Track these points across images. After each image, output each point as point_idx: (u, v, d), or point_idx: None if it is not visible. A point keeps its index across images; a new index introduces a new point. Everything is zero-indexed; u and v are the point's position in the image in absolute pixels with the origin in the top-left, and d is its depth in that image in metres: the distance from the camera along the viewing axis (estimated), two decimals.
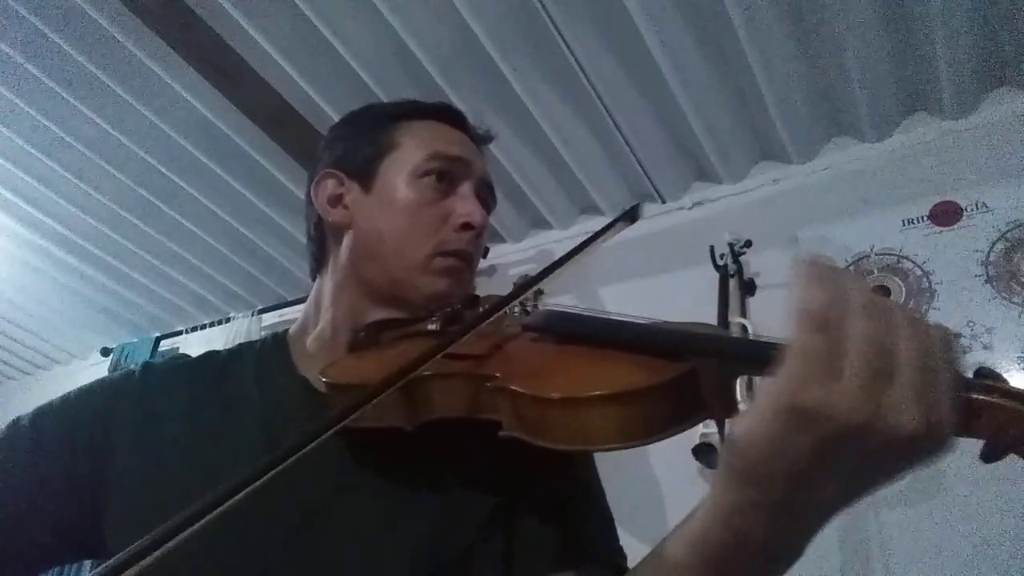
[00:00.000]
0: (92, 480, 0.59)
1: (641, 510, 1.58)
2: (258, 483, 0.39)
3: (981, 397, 0.36)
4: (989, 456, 0.37)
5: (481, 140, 0.81)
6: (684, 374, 0.43)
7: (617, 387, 0.43)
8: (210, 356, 0.73)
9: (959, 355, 0.36)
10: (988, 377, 0.37)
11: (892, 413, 0.34)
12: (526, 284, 0.56)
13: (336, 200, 0.74)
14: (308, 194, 0.77)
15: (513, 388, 0.47)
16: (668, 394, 0.43)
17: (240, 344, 0.76)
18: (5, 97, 2.11)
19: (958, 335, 0.38)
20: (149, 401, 0.65)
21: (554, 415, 0.45)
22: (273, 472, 0.40)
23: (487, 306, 0.55)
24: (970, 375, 0.38)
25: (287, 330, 0.77)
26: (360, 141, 0.75)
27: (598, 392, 0.43)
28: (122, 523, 0.57)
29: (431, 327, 0.64)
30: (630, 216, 0.63)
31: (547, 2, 1.63)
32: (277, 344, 0.74)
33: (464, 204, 0.71)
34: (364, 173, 0.73)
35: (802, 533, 0.40)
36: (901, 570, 1.48)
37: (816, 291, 0.36)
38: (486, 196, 0.77)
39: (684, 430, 0.44)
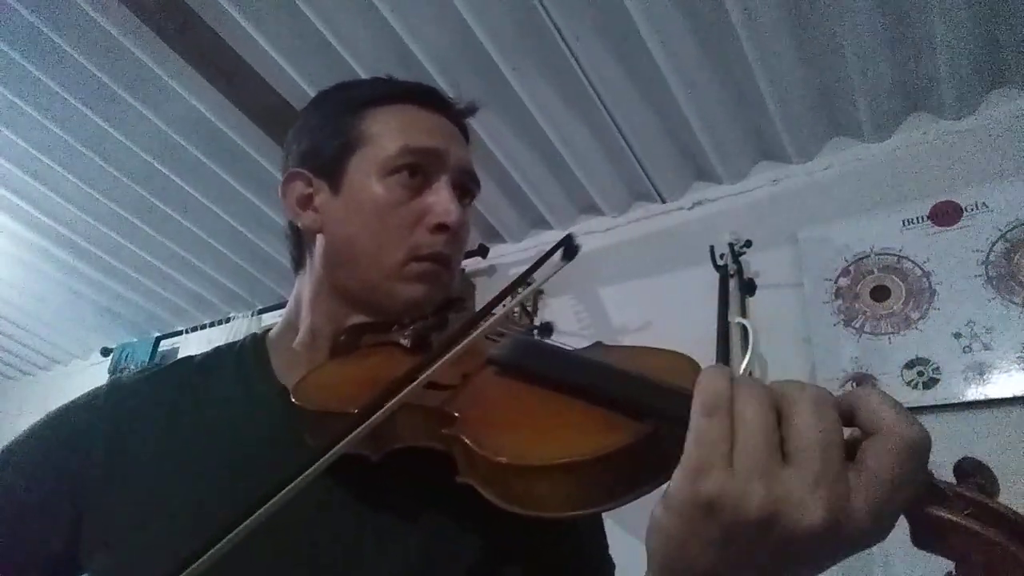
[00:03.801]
0: (71, 512, 0.57)
1: (641, 510, 1.58)
2: (252, 519, 0.38)
3: (947, 516, 0.31)
4: None
5: (463, 115, 0.75)
6: (642, 438, 0.40)
7: (565, 455, 0.39)
8: (183, 362, 0.71)
9: (921, 462, 0.32)
10: (971, 476, 0.33)
11: (786, 504, 0.31)
12: (480, 313, 0.53)
13: (306, 202, 0.70)
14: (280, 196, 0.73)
15: (464, 440, 0.45)
16: (625, 460, 0.39)
17: (217, 347, 0.74)
18: (5, 97, 2.11)
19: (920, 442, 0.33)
20: (120, 419, 0.62)
21: (502, 477, 0.42)
22: (267, 507, 0.38)
23: (458, 327, 0.53)
24: (950, 475, 0.34)
25: (267, 331, 0.74)
26: (327, 133, 0.71)
27: (543, 462, 0.40)
28: (108, 546, 0.55)
29: (403, 342, 0.62)
30: (568, 253, 0.59)
31: (547, 2, 1.63)
32: (256, 348, 0.71)
33: (439, 202, 0.66)
34: (332, 172, 0.69)
35: None
36: (901, 570, 1.48)
37: (711, 377, 0.35)
38: (467, 184, 0.72)
39: (647, 492, 0.40)
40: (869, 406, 0.34)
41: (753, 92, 1.80)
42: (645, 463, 0.40)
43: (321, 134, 0.71)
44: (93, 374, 3.44)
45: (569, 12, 1.66)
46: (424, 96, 0.72)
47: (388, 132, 0.68)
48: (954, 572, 0.32)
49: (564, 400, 0.46)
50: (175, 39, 1.83)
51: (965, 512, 0.31)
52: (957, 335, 1.59)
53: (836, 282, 1.79)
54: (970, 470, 0.33)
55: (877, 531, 0.32)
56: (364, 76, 1.85)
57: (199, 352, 0.74)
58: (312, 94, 1.97)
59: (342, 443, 0.42)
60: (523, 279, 0.57)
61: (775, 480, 0.32)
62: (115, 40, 1.88)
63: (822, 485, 0.31)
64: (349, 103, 0.72)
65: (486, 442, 0.44)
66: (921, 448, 0.32)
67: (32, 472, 0.60)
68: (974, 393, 1.52)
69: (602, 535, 0.69)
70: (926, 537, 0.33)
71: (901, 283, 1.71)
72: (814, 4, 1.59)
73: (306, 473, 0.40)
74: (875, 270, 1.76)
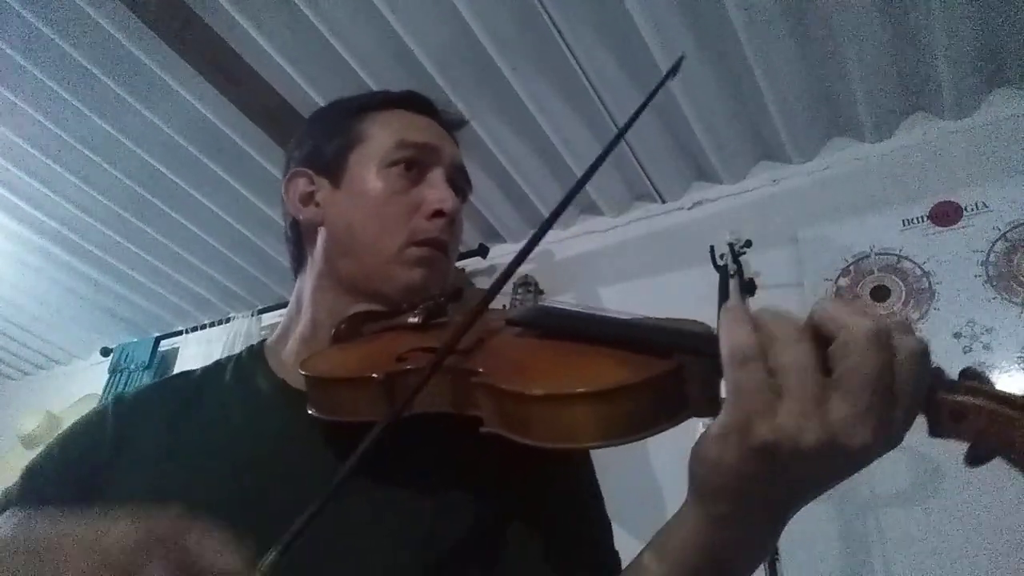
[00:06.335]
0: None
1: (641, 510, 1.58)
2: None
3: (962, 399, 0.36)
4: (974, 459, 0.37)
5: (452, 125, 0.79)
6: (668, 372, 0.43)
7: (599, 384, 0.42)
8: (183, 375, 0.74)
9: (924, 362, 0.36)
10: (974, 378, 0.37)
11: (840, 432, 0.35)
12: (522, 252, 0.54)
13: (307, 198, 0.74)
14: (282, 196, 0.77)
15: (495, 384, 0.46)
16: (651, 392, 0.42)
17: (217, 360, 0.76)
18: (5, 97, 2.11)
19: (924, 345, 0.37)
20: (124, 427, 0.64)
21: (535, 412, 0.44)
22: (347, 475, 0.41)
23: (485, 295, 0.54)
24: (956, 376, 0.38)
25: (264, 340, 0.77)
26: (327, 136, 0.75)
27: (580, 390, 0.42)
28: None
29: (413, 320, 0.63)
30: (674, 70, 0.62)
31: (547, 2, 1.64)
32: (253, 355, 0.74)
33: (434, 191, 0.70)
34: (333, 168, 0.73)
35: (775, 533, 0.43)
36: (901, 570, 1.48)
37: (736, 328, 0.37)
38: (459, 182, 0.75)
39: (668, 428, 0.43)
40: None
41: (753, 92, 1.80)
42: (672, 396, 0.43)
43: (321, 137, 0.75)
44: (93, 374, 3.44)
45: (569, 12, 1.66)
46: (416, 102, 0.77)
47: (385, 130, 0.73)
48: (971, 451, 0.37)
49: (588, 347, 0.48)
50: (176, 39, 1.83)
51: (976, 396, 0.36)
52: (957, 335, 1.59)
53: (836, 282, 1.79)
54: (974, 371, 0.38)
55: (905, 431, 0.37)
56: (364, 76, 1.85)
57: (198, 351, 0.76)
58: (312, 94, 1.99)
59: (421, 387, 0.44)
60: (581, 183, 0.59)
61: (826, 414, 0.35)
62: (115, 40, 1.88)
63: (873, 412, 0.35)
64: (347, 110, 0.76)
65: (517, 380, 0.45)
66: (927, 353, 0.36)
67: (53, 495, 0.61)
68: None
69: (608, 524, 0.69)
70: (944, 424, 0.37)
71: (901, 283, 1.71)
72: (814, 4, 1.59)
73: (384, 425, 0.42)
74: (875, 270, 1.76)
